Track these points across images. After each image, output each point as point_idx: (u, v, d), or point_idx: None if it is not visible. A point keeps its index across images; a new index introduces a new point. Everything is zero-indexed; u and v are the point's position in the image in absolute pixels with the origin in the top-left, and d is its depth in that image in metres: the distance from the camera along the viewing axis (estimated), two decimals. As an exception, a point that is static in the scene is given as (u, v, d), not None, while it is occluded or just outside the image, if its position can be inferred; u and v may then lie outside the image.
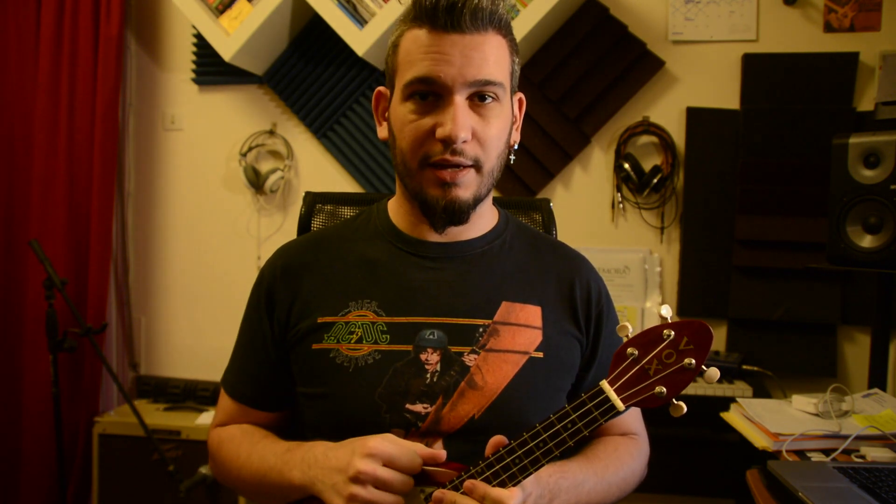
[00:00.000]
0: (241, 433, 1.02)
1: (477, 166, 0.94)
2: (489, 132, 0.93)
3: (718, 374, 0.77)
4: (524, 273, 1.03)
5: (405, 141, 0.94)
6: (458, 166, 0.92)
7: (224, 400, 1.06)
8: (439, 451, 0.85)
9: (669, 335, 0.77)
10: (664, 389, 0.77)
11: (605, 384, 0.78)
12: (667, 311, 0.78)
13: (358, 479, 0.81)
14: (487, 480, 0.80)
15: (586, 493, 0.93)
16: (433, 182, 0.93)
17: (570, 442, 0.79)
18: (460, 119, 0.89)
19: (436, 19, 0.90)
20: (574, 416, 0.79)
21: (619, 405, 0.77)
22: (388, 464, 0.82)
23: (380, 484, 0.81)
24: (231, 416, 1.05)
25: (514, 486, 0.80)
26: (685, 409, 0.77)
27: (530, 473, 0.80)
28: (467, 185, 0.93)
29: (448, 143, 0.90)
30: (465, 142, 0.91)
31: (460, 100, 0.90)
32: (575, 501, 0.91)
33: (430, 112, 0.92)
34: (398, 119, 0.95)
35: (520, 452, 0.80)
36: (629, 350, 0.78)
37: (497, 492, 0.78)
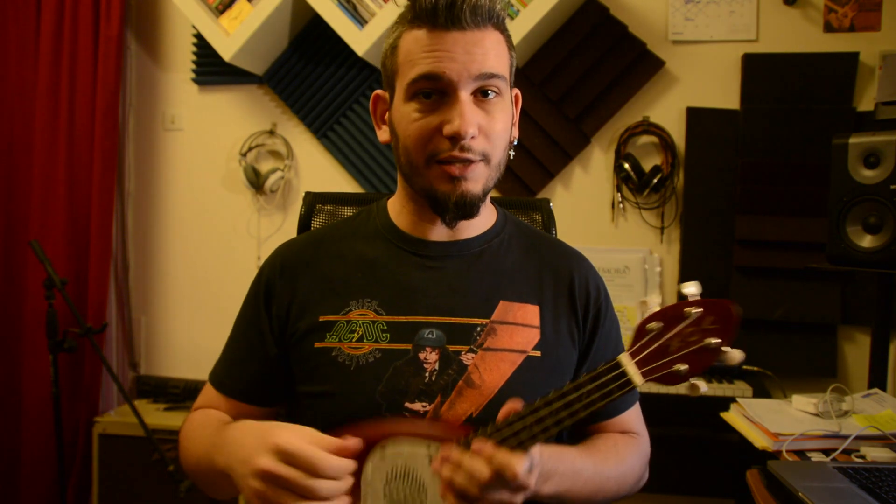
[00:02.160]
0: (201, 416, 1.01)
1: (486, 160, 0.94)
2: (495, 127, 0.94)
3: (742, 356, 0.74)
4: (522, 272, 1.03)
5: (410, 139, 0.94)
6: (467, 161, 0.92)
7: (207, 389, 1.05)
8: (354, 441, 0.80)
9: (695, 313, 0.75)
10: (684, 367, 0.75)
11: (624, 357, 0.76)
12: (694, 289, 0.75)
13: (259, 475, 0.77)
14: (504, 439, 0.79)
15: (582, 481, 0.92)
16: (442, 178, 0.93)
17: (582, 413, 0.77)
18: (468, 115, 0.90)
19: (436, 18, 0.91)
20: (589, 387, 0.77)
21: (638, 380, 0.75)
22: (288, 462, 0.76)
23: (280, 483, 0.76)
24: (208, 403, 1.04)
25: (532, 445, 0.78)
26: (703, 389, 0.75)
27: (538, 440, 0.78)
28: (476, 179, 0.94)
29: (456, 139, 0.90)
30: (472, 138, 0.91)
31: (465, 96, 0.91)
32: (569, 487, 0.90)
33: (435, 110, 0.92)
34: (402, 119, 0.95)
35: (531, 419, 0.78)
36: (651, 325, 0.76)
37: (504, 454, 0.77)
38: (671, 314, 0.75)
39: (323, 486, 0.76)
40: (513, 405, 0.81)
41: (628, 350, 0.77)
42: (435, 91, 0.92)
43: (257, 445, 0.79)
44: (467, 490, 0.78)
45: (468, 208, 0.95)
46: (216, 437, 0.90)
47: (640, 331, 0.77)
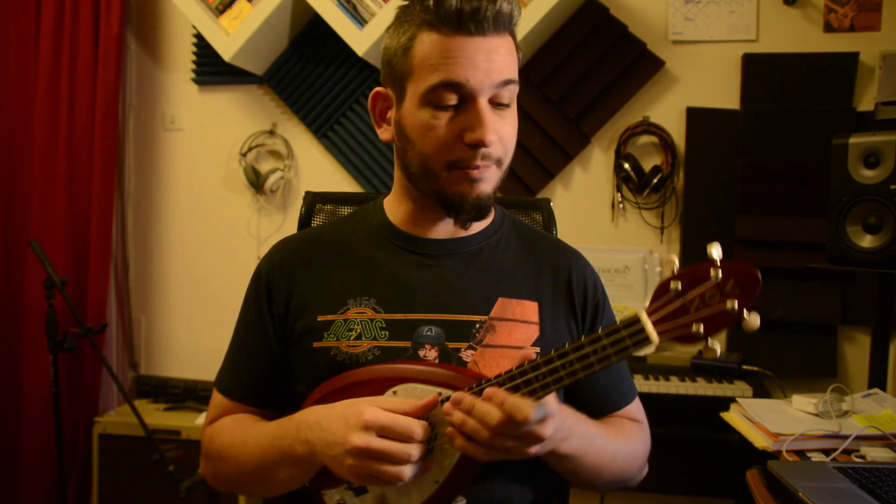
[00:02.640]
0: (232, 422, 1.01)
1: (499, 164, 0.96)
2: (508, 131, 0.95)
3: (759, 323, 0.73)
4: (521, 269, 1.03)
5: (429, 146, 0.93)
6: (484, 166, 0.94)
7: (217, 398, 1.05)
8: (432, 397, 0.85)
9: (717, 275, 0.74)
10: (701, 328, 0.75)
11: (641, 313, 0.76)
12: (716, 252, 0.75)
13: (354, 453, 0.81)
14: (516, 386, 0.80)
15: (595, 449, 0.93)
16: (461, 180, 0.94)
17: (596, 367, 0.77)
18: (490, 123, 0.91)
19: (459, 24, 0.89)
20: (605, 341, 0.77)
21: (654, 338, 0.75)
22: (382, 434, 0.81)
23: (376, 455, 0.81)
24: (224, 413, 1.04)
25: (544, 394, 0.80)
26: (718, 351, 0.76)
27: (551, 392, 0.79)
28: (489, 180, 0.95)
29: (479, 146, 0.91)
30: (493, 144, 0.92)
31: (485, 103, 0.91)
32: (582, 453, 0.91)
33: (453, 116, 0.92)
34: (417, 124, 0.93)
35: (544, 369, 0.79)
36: (673, 284, 0.76)
37: (516, 399, 0.77)
38: (694, 275, 0.75)
39: (416, 450, 0.82)
40: (526, 354, 0.82)
41: (647, 308, 0.77)
42: (456, 97, 0.91)
43: (346, 425, 0.82)
44: (477, 434, 0.79)
45: (483, 210, 0.96)
46: (282, 428, 0.91)
47: (662, 289, 0.77)
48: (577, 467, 0.92)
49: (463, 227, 1.00)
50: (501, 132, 0.94)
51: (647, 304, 0.77)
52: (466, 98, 0.91)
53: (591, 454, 0.92)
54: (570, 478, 0.98)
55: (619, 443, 0.98)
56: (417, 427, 0.82)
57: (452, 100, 0.91)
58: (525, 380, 0.80)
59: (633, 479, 1.04)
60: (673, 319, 0.75)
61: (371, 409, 0.82)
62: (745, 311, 0.74)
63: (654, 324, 0.76)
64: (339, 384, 0.92)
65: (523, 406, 0.76)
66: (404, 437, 0.81)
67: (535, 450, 0.81)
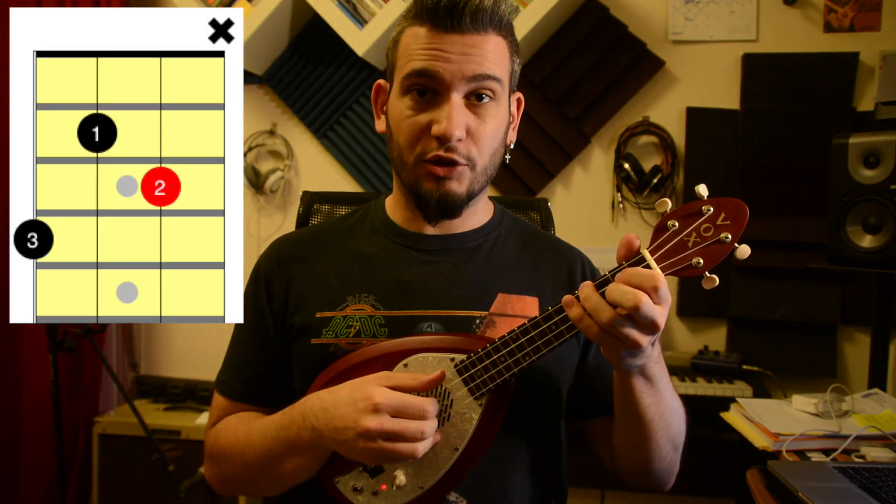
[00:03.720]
0: (236, 420, 1.00)
1: (470, 164, 0.95)
2: (484, 131, 0.94)
3: (749, 251, 0.78)
4: (520, 265, 1.03)
5: (402, 136, 0.95)
6: (453, 164, 0.93)
7: (217, 399, 1.04)
8: (439, 372, 0.85)
9: (708, 210, 0.80)
10: (701, 260, 0.79)
11: (645, 252, 0.80)
12: (703, 190, 0.80)
13: (366, 435, 0.81)
14: (531, 339, 0.83)
15: (667, 382, 0.92)
16: (428, 176, 0.94)
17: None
18: (455, 117, 0.91)
19: (436, 19, 0.91)
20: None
21: (658, 273, 0.78)
22: (394, 414, 0.81)
23: (390, 436, 0.81)
24: (225, 413, 1.03)
25: (559, 343, 0.83)
26: (717, 281, 0.78)
27: (575, 334, 0.82)
28: (460, 180, 0.95)
29: (443, 140, 0.91)
30: (459, 140, 0.92)
31: (457, 98, 0.92)
32: (663, 381, 0.90)
33: (427, 108, 0.93)
34: (396, 113, 0.96)
35: (556, 318, 0.82)
36: (669, 222, 0.81)
37: (640, 269, 0.77)
38: (688, 212, 0.81)
39: (429, 426, 0.82)
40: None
41: (648, 247, 0.81)
42: (428, 89, 0.92)
43: (356, 409, 0.82)
44: (599, 314, 0.76)
45: (450, 208, 0.96)
46: (286, 418, 0.90)
47: (660, 228, 0.81)
48: (655, 402, 0.89)
49: (431, 224, 1.01)
50: (474, 130, 0.93)
51: (649, 244, 0.81)
52: (439, 91, 0.92)
53: (660, 390, 0.90)
54: (640, 428, 0.92)
55: (672, 399, 0.95)
56: (428, 404, 0.82)
57: (426, 92, 0.92)
58: (539, 331, 0.83)
59: (673, 454, 1.01)
60: (675, 255, 0.80)
61: (380, 390, 0.82)
62: (736, 242, 0.79)
63: (657, 260, 0.80)
64: (345, 365, 0.91)
65: (652, 276, 0.76)
66: (416, 416, 0.81)
67: (647, 339, 0.78)
